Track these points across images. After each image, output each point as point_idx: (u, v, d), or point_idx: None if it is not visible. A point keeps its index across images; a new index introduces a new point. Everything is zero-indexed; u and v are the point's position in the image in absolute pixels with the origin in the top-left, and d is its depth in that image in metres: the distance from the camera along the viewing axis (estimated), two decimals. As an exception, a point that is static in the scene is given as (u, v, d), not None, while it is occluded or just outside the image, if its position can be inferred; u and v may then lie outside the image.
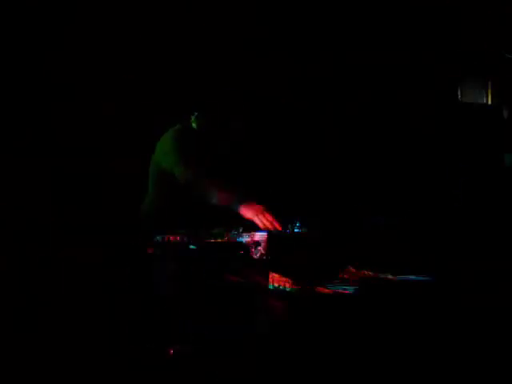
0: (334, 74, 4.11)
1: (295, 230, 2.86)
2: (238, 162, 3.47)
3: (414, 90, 4.01)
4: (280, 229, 2.91)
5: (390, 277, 2.63)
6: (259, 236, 2.68)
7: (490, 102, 4.01)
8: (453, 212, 3.63)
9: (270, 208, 2.96)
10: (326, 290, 2.47)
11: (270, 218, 2.93)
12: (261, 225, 2.92)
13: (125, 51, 3.91)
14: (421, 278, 2.59)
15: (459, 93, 3.97)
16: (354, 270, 2.74)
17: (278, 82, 4.11)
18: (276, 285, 2.51)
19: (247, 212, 2.96)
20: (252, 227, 2.86)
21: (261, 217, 2.93)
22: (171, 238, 2.69)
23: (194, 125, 3.43)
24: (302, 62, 4.12)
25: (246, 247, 2.65)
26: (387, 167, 4.04)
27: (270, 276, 2.52)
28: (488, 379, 2.40)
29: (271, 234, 2.74)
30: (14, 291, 3.27)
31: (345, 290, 2.49)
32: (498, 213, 3.55)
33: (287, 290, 2.48)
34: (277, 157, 4.07)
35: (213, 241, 2.71)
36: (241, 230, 2.89)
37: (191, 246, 2.66)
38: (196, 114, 3.41)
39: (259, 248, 2.63)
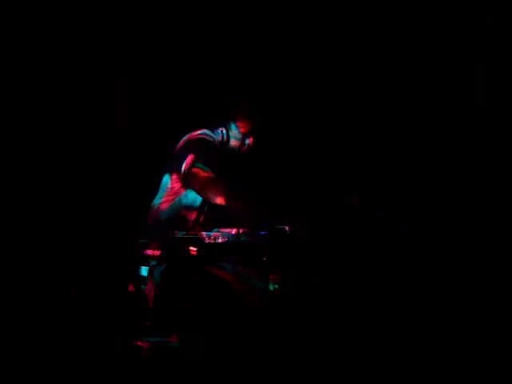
0: (333, 73, 4.11)
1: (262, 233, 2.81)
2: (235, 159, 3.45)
3: (413, 89, 4.01)
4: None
5: None
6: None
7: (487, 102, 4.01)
8: (452, 211, 3.64)
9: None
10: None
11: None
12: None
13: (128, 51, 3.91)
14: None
15: (458, 92, 3.97)
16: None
17: (278, 81, 4.12)
18: None
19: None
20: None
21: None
22: None
23: None
24: (301, 62, 4.13)
25: None
26: (386, 165, 4.04)
27: None
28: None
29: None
30: (14, 291, 3.28)
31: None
32: (497, 212, 3.55)
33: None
34: (274, 155, 4.06)
35: None
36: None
37: None
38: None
39: None
